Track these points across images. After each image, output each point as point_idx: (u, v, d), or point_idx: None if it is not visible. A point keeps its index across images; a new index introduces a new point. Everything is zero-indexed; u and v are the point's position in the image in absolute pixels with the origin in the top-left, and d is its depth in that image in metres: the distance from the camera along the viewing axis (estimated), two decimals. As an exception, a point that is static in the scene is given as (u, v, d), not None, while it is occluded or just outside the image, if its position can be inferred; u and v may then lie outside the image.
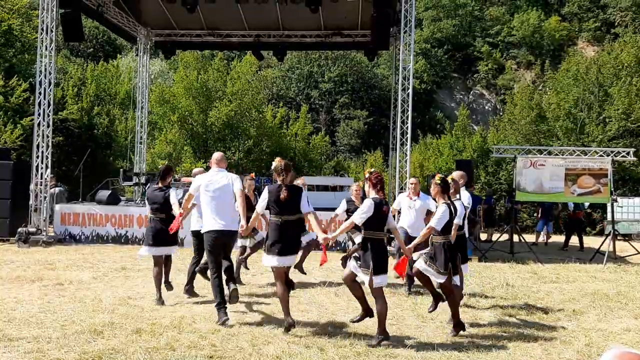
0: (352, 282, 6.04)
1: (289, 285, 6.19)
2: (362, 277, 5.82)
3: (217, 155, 6.91)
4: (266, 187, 6.35)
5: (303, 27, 17.64)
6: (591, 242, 17.91)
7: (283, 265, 6.09)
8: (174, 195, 7.38)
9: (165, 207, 7.40)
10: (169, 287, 7.63)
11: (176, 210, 7.21)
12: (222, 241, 6.54)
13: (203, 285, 8.24)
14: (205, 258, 7.11)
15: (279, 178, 6.20)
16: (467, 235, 7.27)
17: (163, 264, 7.50)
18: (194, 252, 7.85)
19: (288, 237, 6.10)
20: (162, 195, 7.46)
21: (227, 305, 6.42)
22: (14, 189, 13.91)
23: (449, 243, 6.36)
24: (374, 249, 5.78)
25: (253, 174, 10.05)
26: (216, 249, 6.52)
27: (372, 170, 6.27)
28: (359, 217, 5.84)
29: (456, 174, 7.43)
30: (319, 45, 19.61)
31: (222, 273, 6.54)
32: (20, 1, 26.52)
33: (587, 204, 16.51)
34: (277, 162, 6.30)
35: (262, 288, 8.64)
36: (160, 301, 7.26)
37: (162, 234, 7.30)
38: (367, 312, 6.06)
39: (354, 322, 6.19)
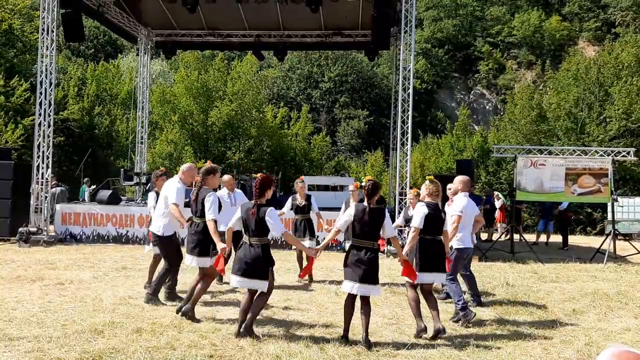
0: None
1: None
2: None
3: (182, 166, 7.30)
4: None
5: (303, 27, 17.63)
6: (591, 241, 17.92)
7: (190, 264, 6.66)
8: (150, 199, 7.90)
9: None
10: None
11: (151, 213, 7.70)
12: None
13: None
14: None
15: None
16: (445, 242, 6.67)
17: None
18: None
19: (192, 238, 6.59)
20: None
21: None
22: (14, 189, 13.92)
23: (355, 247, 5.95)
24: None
25: (302, 177, 10.04)
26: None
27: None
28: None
29: (456, 179, 7.38)
30: (319, 45, 19.61)
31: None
32: (22, 2, 26.56)
33: (565, 204, 16.52)
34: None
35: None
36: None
37: None
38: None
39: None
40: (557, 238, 17.21)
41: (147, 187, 15.90)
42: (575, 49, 42.31)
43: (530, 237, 17.55)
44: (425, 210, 6.21)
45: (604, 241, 13.71)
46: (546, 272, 11.04)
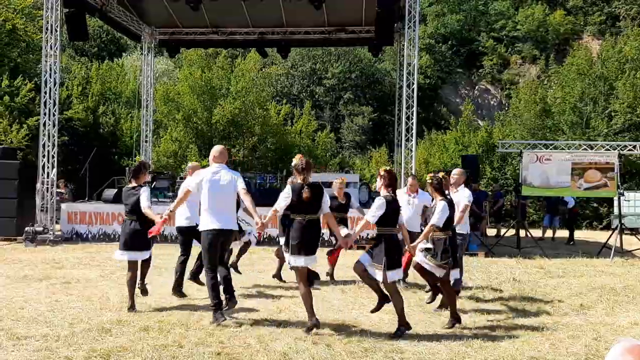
0: (363, 273, 6.04)
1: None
2: (375, 273, 5.93)
3: (215, 149, 6.46)
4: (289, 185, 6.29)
5: (307, 23, 17.61)
6: (598, 236, 17.85)
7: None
8: (144, 197, 6.71)
9: (138, 209, 6.75)
10: (145, 293, 7.20)
11: (149, 213, 6.66)
12: (219, 240, 6.23)
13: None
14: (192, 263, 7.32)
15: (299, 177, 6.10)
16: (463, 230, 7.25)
17: (137, 269, 6.95)
18: (181, 250, 7.69)
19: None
20: (134, 195, 6.82)
21: (223, 305, 6.26)
22: (20, 189, 13.96)
23: (450, 238, 6.46)
24: (387, 245, 5.90)
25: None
26: (213, 248, 6.21)
27: (387, 168, 6.41)
28: (371, 216, 5.97)
29: (457, 171, 7.62)
30: (322, 41, 19.58)
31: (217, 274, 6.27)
32: (24, 1, 26.58)
33: (572, 203, 16.52)
34: (297, 160, 6.18)
35: (271, 285, 8.66)
36: (133, 309, 6.68)
37: (135, 237, 6.80)
38: (383, 298, 6.06)
39: (372, 311, 6.20)
40: (562, 233, 17.18)
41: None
42: (580, 43, 42.11)
43: (536, 233, 17.50)
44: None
45: (610, 236, 13.66)
46: (553, 268, 11.01)
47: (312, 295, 6.05)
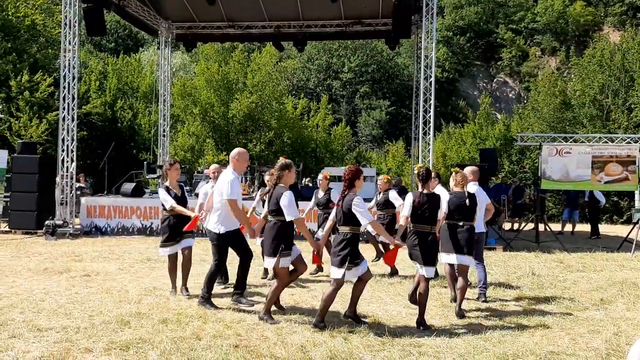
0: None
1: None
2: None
3: (232, 153, 6.61)
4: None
5: (323, 16, 17.53)
6: (618, 230, 17.62)
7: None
8: (162, 193, 7.24)
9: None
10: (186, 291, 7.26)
11: (167, 207, 7.14)
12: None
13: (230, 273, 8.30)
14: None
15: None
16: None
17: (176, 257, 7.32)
18: None
19: (265, 238, 6.27)
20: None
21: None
22: (40, 183, 14.12)
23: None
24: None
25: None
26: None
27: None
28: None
29: (467, 169, 7.45)
30: (339, 34, 19.44)
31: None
32: (41, -4, 26.84)
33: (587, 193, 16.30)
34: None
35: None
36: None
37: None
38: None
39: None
40: (582, 227, 16.98)
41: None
42: (600, 35, 41.49)
43: (555, 227, 17.32)
44: (447, 197, 6.78)
45: (631, 230, 13.46)
46: (572, 262, 10.89)
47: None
